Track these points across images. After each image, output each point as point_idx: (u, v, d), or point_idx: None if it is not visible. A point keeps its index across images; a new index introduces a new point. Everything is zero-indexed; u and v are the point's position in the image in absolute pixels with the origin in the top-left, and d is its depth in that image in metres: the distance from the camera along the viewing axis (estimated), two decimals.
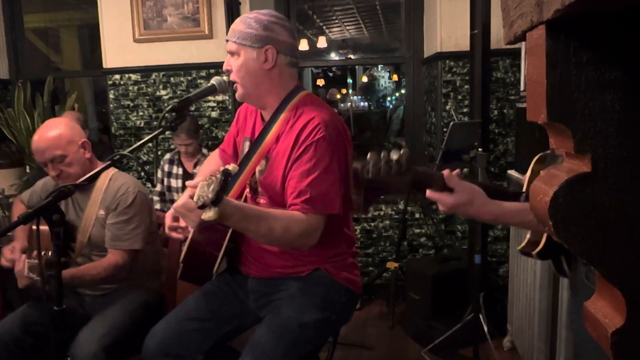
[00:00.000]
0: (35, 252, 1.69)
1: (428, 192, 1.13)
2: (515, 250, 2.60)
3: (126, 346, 1.77)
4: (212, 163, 1.80)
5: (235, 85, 1.53)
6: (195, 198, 1.25)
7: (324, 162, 1.42)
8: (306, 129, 1.45)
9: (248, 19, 1.51)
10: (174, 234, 1.53)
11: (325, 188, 1.42)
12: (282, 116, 1.52)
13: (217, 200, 1.17)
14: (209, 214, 1.18)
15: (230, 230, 1.57)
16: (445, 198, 1.11)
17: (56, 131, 1.83)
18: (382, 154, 1.01)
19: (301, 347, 1.45)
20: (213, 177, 1.20)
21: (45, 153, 1.80)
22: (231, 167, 1.21)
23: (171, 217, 1.54)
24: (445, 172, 1.11)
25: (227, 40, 1.53)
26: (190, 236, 1.57)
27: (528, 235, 1.26)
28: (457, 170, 1.12)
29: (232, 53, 1.51)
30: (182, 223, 1.52)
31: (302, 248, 1.49)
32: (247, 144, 1.63)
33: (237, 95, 1.55)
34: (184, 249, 1.61)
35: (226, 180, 1.18)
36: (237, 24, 1.52)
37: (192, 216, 1.32)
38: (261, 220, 1.36)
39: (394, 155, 1.01)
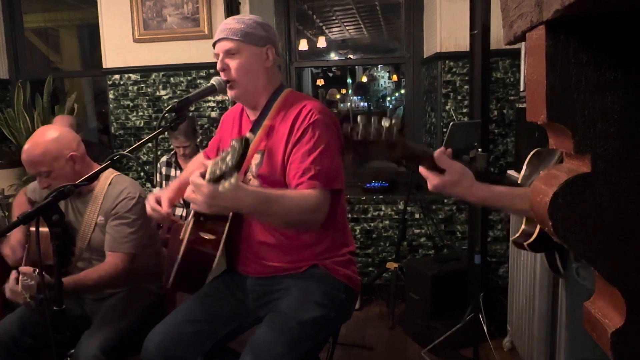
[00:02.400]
0: (30, 269, 1.67)
1: (420, 168, 1.15)
2: (515, 250, 2.60)
3: (128, 347, 1.76)
4: (199, 163, 1.81)
5: (231, 84, 1.53)
6: (207, 175, 1.21)
7: (323, 141, 1.47)
8: (300, 115, 1.51)
9: (246, 20, 1.55)
10: (152, 212, 1.55)
11: (327, 165, 1.47)
12: (272, 111, 1.57)
13: (238, 166, 1.12)
14: (229, 182, 1.12)
15: (227, 227, 1.56)
16: (433, 177, 1.13)
17: (42, 146, 1.77)
18: (372, 119, 1.01)
19: (301, 345, 1.45)
20: (227, 149, 1.18)
21: (31, 168, 1.79)
22: (249, 134, 1.18)
23: (154, 198, 1.57)
24: (436, 152, 1.11)
25: (219, 40, 1.53)
26: (185, 241, 1.55)
27: (523, 226, 1.26)
28: (448, 150, 1.12)
29: (231, 52, 1.52)
30: (165, 207, 1.55)
31: (314, 226, 1.50)
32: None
33: (233, 94, 1.55)
34: (179, 255, 1.57)
35: (247, 147, 1.13)
36: (234, 24, 1.53)
37: (204, 189, 1.22)
38: (279, 201, 1.37)
39: (385, 123, 1.01)
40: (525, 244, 1.22)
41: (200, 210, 1.29)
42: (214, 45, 1.57)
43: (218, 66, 1.53)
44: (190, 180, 1.26)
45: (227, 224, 1.56)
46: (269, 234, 1.57)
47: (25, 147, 1.79)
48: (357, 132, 1.01)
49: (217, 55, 1.55)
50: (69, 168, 1.81)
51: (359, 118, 1.01)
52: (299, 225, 1.51)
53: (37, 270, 1.60)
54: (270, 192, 1.39)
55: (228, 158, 1.15)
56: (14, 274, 1.72)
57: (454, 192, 1.13)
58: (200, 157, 1.85)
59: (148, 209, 1.57)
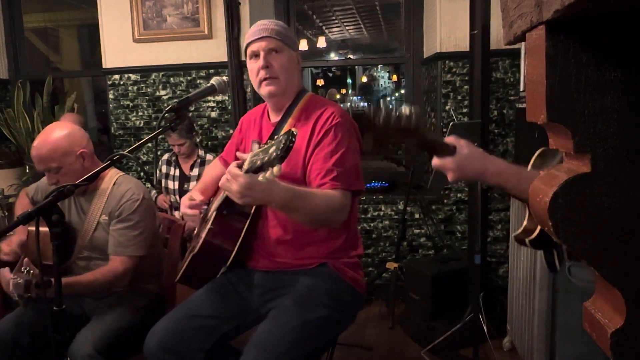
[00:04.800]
0: (22, 267, 1.67)
1: (434, 162, 1.18)
2: (515, 250, 2.60)
3: (125, 347, 1.76)
4: (217, 168, 1.85)
5: (271, 80, 1.56)
6: (246, 165, 1.24)
7: (345, 144, 1.52)
8: (321, 118, 1.55)
9: (281, 24, 1.62)
10: (189, 211, 1.61)
11: (349, 166, 1.51)
12: (294, 114, 1.62)
13: (283, 157, 1.14)
14: (271, 172, 1.13)
15: (247, 223, 1.59)
16: (448, 161, 1.15)
17: (53, 142, 1.77)
18: (394, 108, 1.07)
19: (304, 344, 1.46)
20: (271, 142, 1.20)
21: (41, 164, 1.78)
22: (294, 129, 1.19)
23: (188, 197, 1.65)
24: (448, 138, 1.16)
25: (260, 38, 1.56)
26: (204, 234, 1.57)
27: (525, 222, 1.26)
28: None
29: (274, 50, 1.56)
30: (199, 197, 1.64)
31: (335, 225, 1.54)
32: (256, 146, 1.65)
33: (272, 90, 1.57)
34: (195, 247, 1.59)
35: (293, 139, 1.15)
36: (272, 25, 1.59)
37: (240, 179, 1.25)
38: (307, 198, 1.41)
39: (406, 110, 1.07)
40: (527, 240, 1.23)
41: (232, 199, 1.33)
42: (249, 44, 1.59)
43: (260, 63, 1.55)
44: (228, 170, 1.30)
45: (248, 221, 1.59)
46: (284, 231, 1.59)
47: (35, 143, 1.79)
48: (379, 117, 1.06)
49: (254, 54, 1.58)
50: (79, 165, 1.82)
51: (381, 103, 1.07)
52: (321, 224, 1.54)
53: (28, 268, 1.60)
54: (300, 189, 1.42)
55: (272, 150, 1.17)
56: (6, 270, 1.74)
57: (472, 167, 1.15)
58: (217, 162, 1.88)
59: (184, 210, 1.63)
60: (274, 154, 1.15)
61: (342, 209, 1.48)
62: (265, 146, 1.20)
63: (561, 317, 1.23)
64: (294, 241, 1.59)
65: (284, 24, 1.64)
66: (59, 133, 1.81)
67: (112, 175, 1.91)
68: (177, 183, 3.12)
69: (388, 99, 11.71)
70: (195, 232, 1.80)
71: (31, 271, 1.59)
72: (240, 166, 1.30)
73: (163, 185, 3.18)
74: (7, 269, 1.74)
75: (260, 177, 1.16)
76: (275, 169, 1.14)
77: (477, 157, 1.15)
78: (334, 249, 1.60)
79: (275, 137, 1.19)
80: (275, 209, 1.55)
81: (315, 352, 1.56)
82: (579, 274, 1.16)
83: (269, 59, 1.56)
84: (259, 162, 1.19)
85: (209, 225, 1.57)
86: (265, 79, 1.57)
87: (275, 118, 1.66)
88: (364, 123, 1.08)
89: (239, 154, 1.44)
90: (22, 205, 2.05)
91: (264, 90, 1.59)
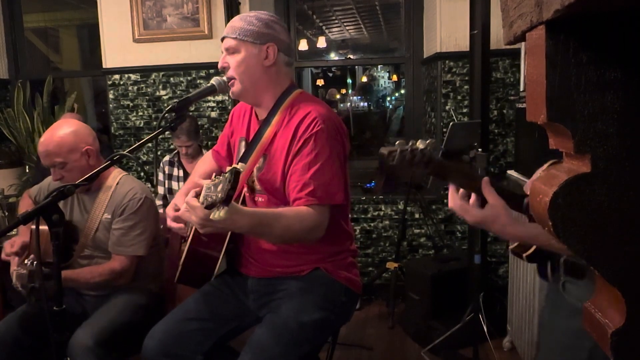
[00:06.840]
0: (26, 260, 1.68)
1: (461, 200, 1.13)
2: None
3: (125, 344, 1.77)
4: (207, 163, 1.81)
5: (231, 82, 1.52)
6: (200, 199, 1.22)
7: (325, 154, 1.44)
8: (303, 123, 1.47)
9: (248, 17, 1.52)
10: (175, 225, 1.53)
11: (328, 179, 1.43)
12: (278, 114, 1.54)
13: (227, 199, 1.13)
14: (219, 214, 1.13)
15: (229, 232, 1.57)
16: (475, 212, 1.11)
17: (59, 138, 1.81)
18: (409, 142, 1.03)
19: (300, 347, 1.46)
20: (220, 177, 1.18)
21: (46, 159, 1.81)
22: (239, 165, 1.17)
23: (172, 208, 1.55)
24: (486, 178, 1.11)
25: (223, 38, 1.53)
26: (189, 240, 1.57)
27: None
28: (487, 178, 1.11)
29: (230, 50, 1.51)
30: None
31: (310, 242, 1.49)
32: (243, 143, 1.65)
33: (233, 92, 1.53)
34: (184, 252, 1.60)
35: (236, 179, 1.14)
36: (236, 22, 1.52)
37: (198, 211, 1.24)
38: (275, 222, 1.36)
39: (420, 145, 1.03)
40: (524, 255, 1.22)
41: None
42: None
43: (219, 64, 1.53)
44: (186, 201, 1.27)
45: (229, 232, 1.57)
46: None
47: (42, 138, 1.82)
48: (393, 157, 1.02)
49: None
50: (84, 162, 1.83)
51: (397, 143, 1.03)
52: (296, 242, 1.51)
53: (31, 260, 1.61)
54: (266, 213, 1.37)
55: (219, 188, 1.15)
56: (14, 259, 1.74)
57: (491, 228, 1.12)
58: (208, 156, 1.84)
59: (169, 223, 1.55)
60: (220, 194, 1.13)
61: (317, 226, 1.41)
62: (216, 180, 1.18)
63: (545, 331, 1.22)
64: (281, 250, 1.56)
65: (252, 16, 1.52)
66: (66, 129, 1.84)
67: (116, 174, 1.93)
68: (181, 184, 3.13)
69: (388, 98, 11.71)
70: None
71: (34, 262, 1.61)
72: (199, 194, 1.26)
73: (167, 186, 3.18)
74: (15, 259, 1.76)
75: (211, 216, 1.14)
76: (223, 212, 1.12)
77: (502, 222, 1.11)
78: (326, 255, 1.57)
79: (227, 169, 1.16)
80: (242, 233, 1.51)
81: (312, 353, 1.56)
82: (572, 291, 1.13)
83: (226, 60, 1.51)
84: (209, 199, 1.17)
85: (191, 236, 1.56)
86: (228, 80, 1.52)
87: (261, 115, 1.60)
88: (378, 163, 1.05)
89: (198, 180, 1.41)
90: (25, 206, 2.07)
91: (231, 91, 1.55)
